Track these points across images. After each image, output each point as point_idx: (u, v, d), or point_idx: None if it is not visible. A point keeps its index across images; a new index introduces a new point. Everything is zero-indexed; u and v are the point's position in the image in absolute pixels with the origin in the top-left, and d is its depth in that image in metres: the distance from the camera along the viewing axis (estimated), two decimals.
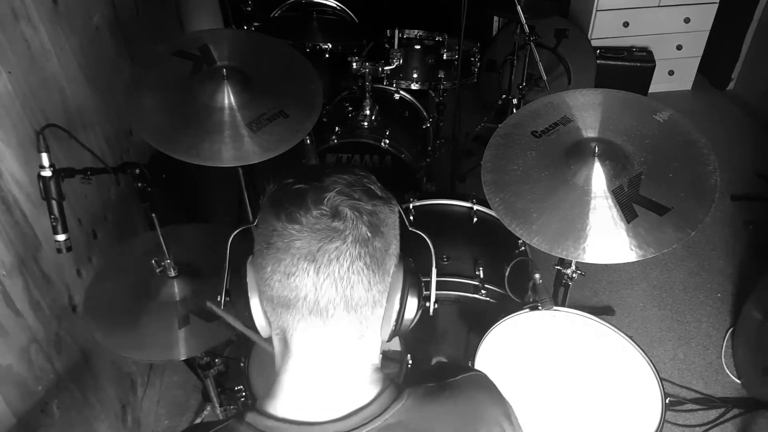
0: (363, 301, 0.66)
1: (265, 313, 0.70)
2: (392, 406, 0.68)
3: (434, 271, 0.80)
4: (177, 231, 1.47)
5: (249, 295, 0.70)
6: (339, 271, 0.63)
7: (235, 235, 0.80)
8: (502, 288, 1.62)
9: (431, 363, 1.62)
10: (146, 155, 2.05)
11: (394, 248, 0.69)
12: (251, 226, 0.70)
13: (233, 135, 1.44)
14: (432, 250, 0.78)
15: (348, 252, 0.63)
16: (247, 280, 0.70)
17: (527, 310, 1.49)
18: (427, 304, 0.78)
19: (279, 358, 0.71)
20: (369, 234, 0.64)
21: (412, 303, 0.71)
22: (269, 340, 0.73)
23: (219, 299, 0.78)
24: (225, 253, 0.80)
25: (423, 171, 2.56)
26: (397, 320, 0.70)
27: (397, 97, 2.65)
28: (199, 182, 2.38)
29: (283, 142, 1.46)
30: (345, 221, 0.63)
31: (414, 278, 0.71)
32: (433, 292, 0.79)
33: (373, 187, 0.68)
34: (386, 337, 0.72)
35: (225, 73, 1.49)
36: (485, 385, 0.78)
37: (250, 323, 0.71)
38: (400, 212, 0.71)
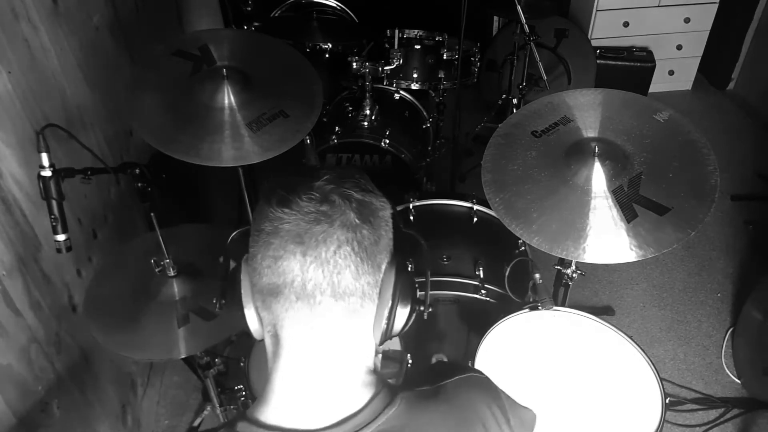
0: (351, 290, 0.65)
1: (257, 309, 0.70)
2: (385, 411, 0.67)
3: (428, 274, 0.79)
4: (177, 231, 1.47)
5: (242, 294, 0.70)
6: (325, 254, 0.63)
7: (232, 237, 0.80)
8: (502, 288, 1.61)
9: (431, 361, 1.62)
10: (146, 155, 2.05)
11: (386, 243, 0.69)
12: (249, 228, 0.70)
13: (233, 135, 1.44)
14: (425, 248, 0.78)
15: (335, 235, 0.63)
16: (241, 278, 0.70)
17: (527, 310, 1.49)
18: (422, 308, 0.76)
19: (271, 358, 0.70)
20: (357, 221, 0.64)
21: (405, 303, 0.70)
22: (263, 342, 0.72)
23: (215, 301, 0.78)
24: (222, 255, 0.80)
25: (423, 171, 2.56)
26: (388, 319, 0.69)
27: (397, 97, 2.64)
28: (199, 182, 2.38)
29: (283, 142, 1.46)
30: (333, 206, 0.64)
31: (407, 278, 0.70)
32: (428, 294, 0.79)
33: (363, 183, 0.68)
34: (378, 339, 0.71)
35: (225, 73, 1.49)
36: (481, 385, 0.76)
37: (243, 323, 0.71)
38: (394, 213, 0.71)
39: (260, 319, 0.70)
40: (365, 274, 0.66)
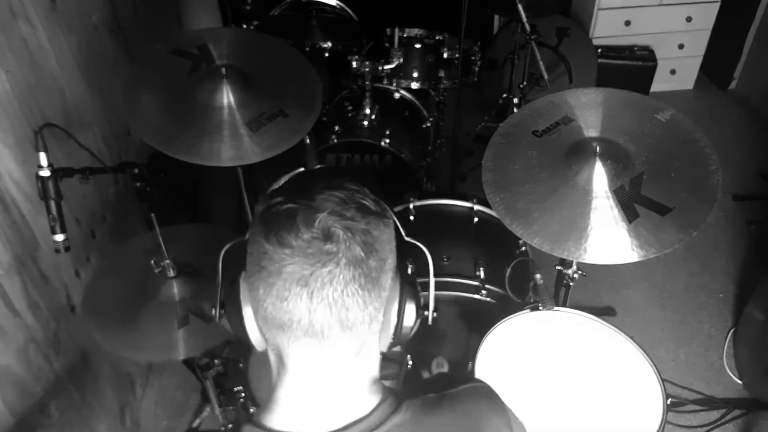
0: (359, 320, 0.64)
1: (260, 328, 0.69)
2: (391, 418, 0.67)
3: (432, 282, 0.78)
4: (176, 231, 1.46)
5: (243, 311, 0.68)
6: (333, 295, 0.62)
7: (227, 248, 0.79)
8: (503, 288, 1.61)
9: (431, 363, 1.61)
10: (145, 155, 2.05)
11: (390, 263, 0.68)
12: (243, 240, 0.69)
13: (232, 134, 1.43)
14: (430, 259, 0.77)
15: (342, 275, 0.61)
16: (241, 297, 0.68)
17: (528, 310, 1.48)
18: (426, 313, 0.76)
19: (275, 372, 0.70)
20: (363, 254, 0.62)
21: (410, 314, 0.70)
22: (265, 352, 0.72)
23: (213, 312, 0.77)
24: (218, 264, 0.79)
25: (423, 170, 2.55)
26: (395, 333, 0.69)
27: (398, 97, 2.64)
28: (199, 182, 2.37)
29: (282, 142, 1.46)
30: (338, 243, 0.61)
31: (411, 289, 0.70)
32: (432, 303, 0.78)
33: (366, 201, 0.65)
34: (385, 348, 0.71)
35: (224, 72, 1.48)
36: (486, 395, 0.76)
37: (244, 338, 0.70)
38: (395, 223, 0.70)
39: (262, 335, 0.69)
40: (372, 301, 0.65)
